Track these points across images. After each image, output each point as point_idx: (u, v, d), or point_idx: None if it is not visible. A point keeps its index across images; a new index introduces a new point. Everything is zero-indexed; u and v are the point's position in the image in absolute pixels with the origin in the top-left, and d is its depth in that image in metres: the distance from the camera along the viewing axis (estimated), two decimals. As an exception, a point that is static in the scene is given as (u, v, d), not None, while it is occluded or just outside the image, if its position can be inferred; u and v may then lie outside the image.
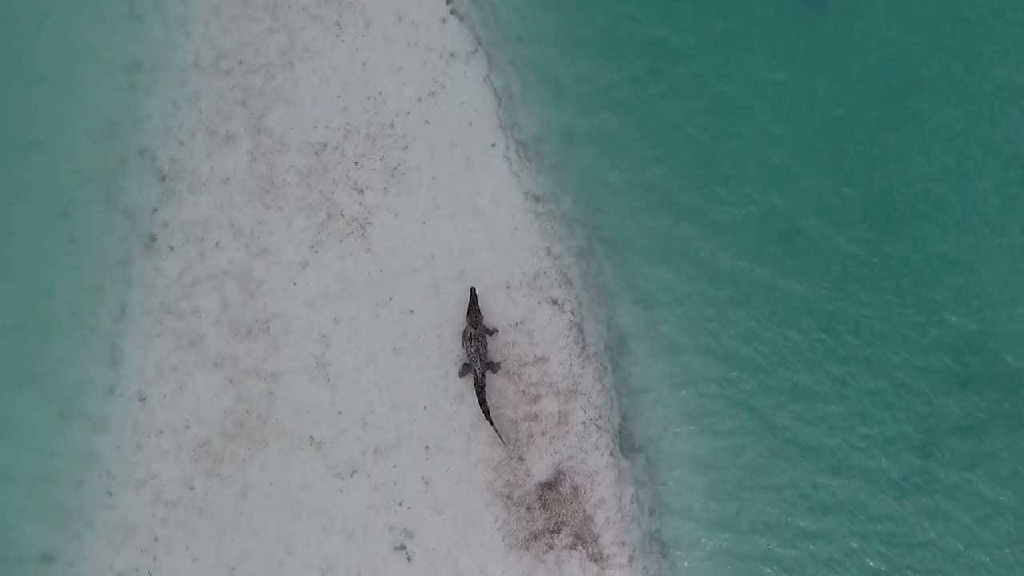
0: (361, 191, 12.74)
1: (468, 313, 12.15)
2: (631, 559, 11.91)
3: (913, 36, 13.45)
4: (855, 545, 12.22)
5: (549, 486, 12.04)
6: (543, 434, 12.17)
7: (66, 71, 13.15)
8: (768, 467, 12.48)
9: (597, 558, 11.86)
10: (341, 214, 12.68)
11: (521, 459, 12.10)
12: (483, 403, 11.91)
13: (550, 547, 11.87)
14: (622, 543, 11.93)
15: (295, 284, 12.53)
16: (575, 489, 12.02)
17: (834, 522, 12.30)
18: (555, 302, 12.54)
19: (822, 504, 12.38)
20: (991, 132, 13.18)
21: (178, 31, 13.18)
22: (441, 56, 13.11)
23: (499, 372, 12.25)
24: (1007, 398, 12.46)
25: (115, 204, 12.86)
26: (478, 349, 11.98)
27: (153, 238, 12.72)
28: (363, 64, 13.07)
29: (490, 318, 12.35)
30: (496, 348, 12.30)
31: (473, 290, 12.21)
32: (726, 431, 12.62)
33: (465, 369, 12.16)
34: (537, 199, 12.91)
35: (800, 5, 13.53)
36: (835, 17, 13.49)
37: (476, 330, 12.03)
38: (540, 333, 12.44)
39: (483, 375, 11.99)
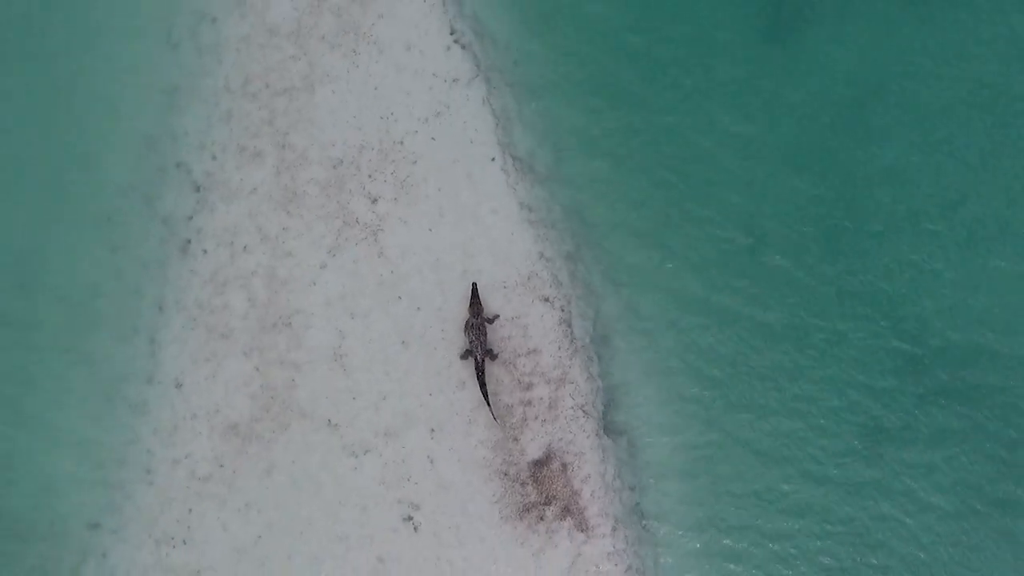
0: (374, 201, 13.12)
1: (470, 305, 12.45)
2: (614, 529, 12.29)
3: (863, 86, 13.57)
4: (817, 545, 12.57)
5: (541, 464, 12.43)
6: (536, 418, 12.57)
7: (111, 92, 13.50)
8: (736, 472, 12.82)
9: (583, 528, 12.25)
10: (356, 221, 13.07)
11: (516, 440, 12.51)
12: (482, 385, 12.25)
13: (541, 518, 12.29)
14: (606, 514, 12.28)
15: (315, 284, 12.93)
16: (564, 466, 12.41)
17: (794, 523, 12.67)
18: (547, 300, 12.89)
19: (786, 507, 12.74)
20: (936, 176, 13.37)
21: (211, 57, 13.52)
22: (445, 81, 13.43)
23: (496, 361, 12.56)
24: (946, 414, 12.81)
25: (154, 212, 13.23)
26: (479, 336, 12.29)
27: (188, 242, 13.10)
28: (376, 88, 13.41)
29: (488, 312, 12.70)
30: (494, 340, 12.57)
31: (474, 284, 12.58)
32: (697, 434, 12.88)
33: (467, 354, 12.47)
34: (531, 208, 13.17)
35: (759, 55, 13.66)
36: (789, 67, 13.64)
37: (477, 320, 12.33)
38: (533, 328, 12.80)
39: (483, 360, 12.30)
